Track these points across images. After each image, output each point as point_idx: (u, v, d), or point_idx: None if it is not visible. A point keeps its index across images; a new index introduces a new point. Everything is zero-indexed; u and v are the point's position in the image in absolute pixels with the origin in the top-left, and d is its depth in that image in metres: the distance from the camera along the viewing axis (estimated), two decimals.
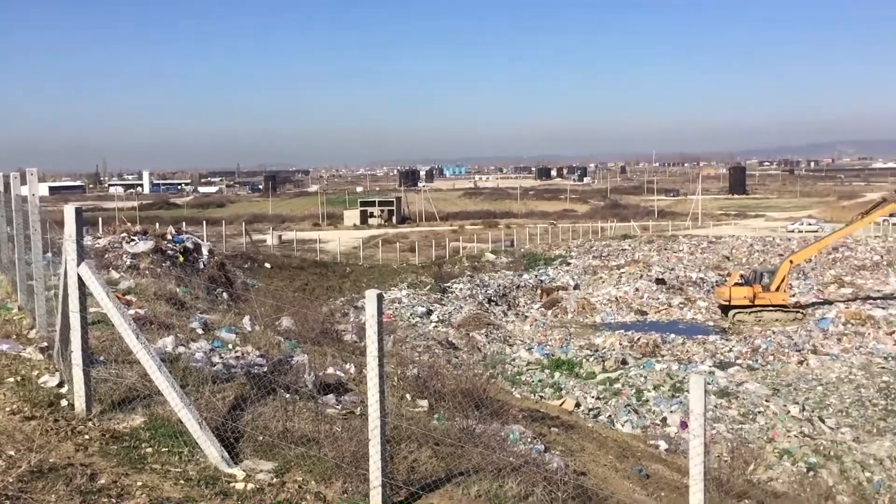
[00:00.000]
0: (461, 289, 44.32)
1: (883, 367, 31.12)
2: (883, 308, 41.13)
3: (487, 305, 42.41)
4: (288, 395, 7.86)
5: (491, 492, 6.69)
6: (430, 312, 36.20)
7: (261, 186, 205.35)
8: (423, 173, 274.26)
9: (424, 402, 9.64)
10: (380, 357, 5.87)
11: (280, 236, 65.95)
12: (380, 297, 5.86)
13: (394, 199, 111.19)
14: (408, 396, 9.73)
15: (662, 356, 32.50)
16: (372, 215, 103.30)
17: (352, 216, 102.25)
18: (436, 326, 33.80)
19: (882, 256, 59.79)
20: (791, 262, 43.23)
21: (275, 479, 6.24)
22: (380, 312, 5.83)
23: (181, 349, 9.18)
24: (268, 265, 41.86)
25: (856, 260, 58.84)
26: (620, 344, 34.24)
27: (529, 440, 9.49)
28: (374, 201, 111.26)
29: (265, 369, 8.74)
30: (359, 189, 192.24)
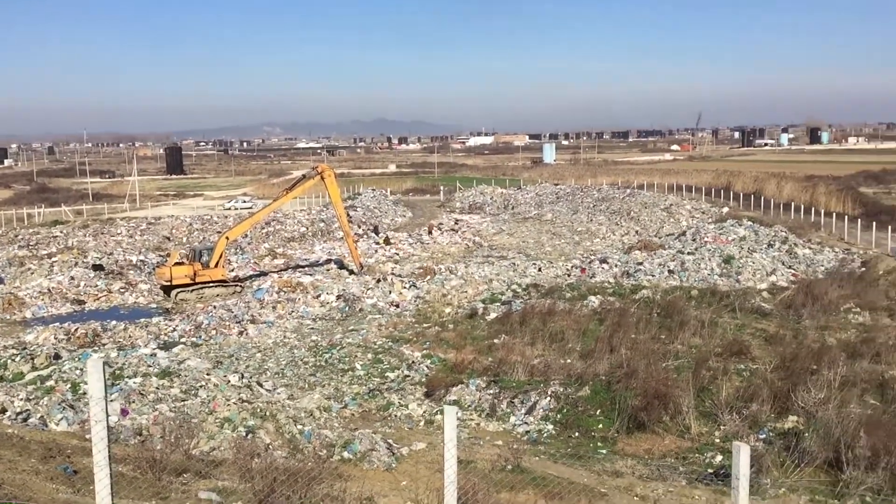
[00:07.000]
0: None
1: (312, 328, 34.41)
2: (310, 275, 45.49)
3: None
4: None
5: None
6: None
7: None
8: None
9: None
10: None
11: None
12: None
13: None
14: None
15: (103, 345, 31.08)
16: None
17: None
18: None
19: (307, 228, 66.13)
20: (227, 238, 44.95)
21: None
22: None
23: None
24: None
25: (286, 232, 64.04)
26: (56, 338, 31.80)
27: None
28: None
29: None
30: None
